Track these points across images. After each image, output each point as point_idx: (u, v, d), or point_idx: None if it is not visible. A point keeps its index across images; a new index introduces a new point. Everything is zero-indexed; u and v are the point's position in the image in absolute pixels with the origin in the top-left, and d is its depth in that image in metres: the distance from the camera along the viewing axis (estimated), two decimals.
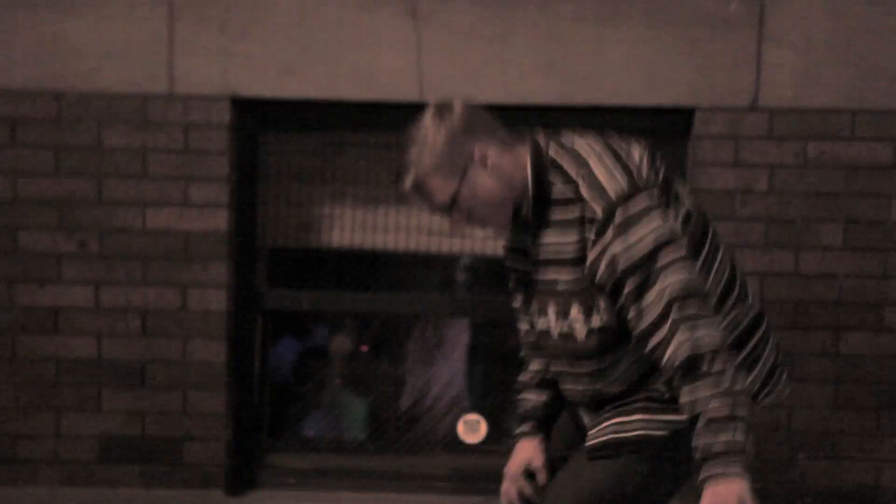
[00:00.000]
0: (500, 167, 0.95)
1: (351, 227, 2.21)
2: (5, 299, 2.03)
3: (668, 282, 0.87)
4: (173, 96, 2.00)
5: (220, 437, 2.10)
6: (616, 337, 0.96)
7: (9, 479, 2.05)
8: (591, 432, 1.02)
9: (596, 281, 0.91)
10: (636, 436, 0.98)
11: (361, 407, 2.52)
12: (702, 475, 0.85)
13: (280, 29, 2.02)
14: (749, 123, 1.99)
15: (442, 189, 0.95)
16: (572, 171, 0.93)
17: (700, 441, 0.84)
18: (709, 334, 0.87)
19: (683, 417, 0.90)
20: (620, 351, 0.98)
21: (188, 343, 2.06)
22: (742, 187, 1.99)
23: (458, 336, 2.62)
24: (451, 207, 0.97)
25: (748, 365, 1.05)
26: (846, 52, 1.95)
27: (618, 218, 0.88)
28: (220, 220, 2.04)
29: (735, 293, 1.05)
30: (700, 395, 0.84)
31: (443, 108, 0.96)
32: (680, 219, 0.98)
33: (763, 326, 1.09)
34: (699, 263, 0.99)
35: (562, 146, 0.99)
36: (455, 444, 2.31)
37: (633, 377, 1.00)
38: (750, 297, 1.09)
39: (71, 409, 2.05)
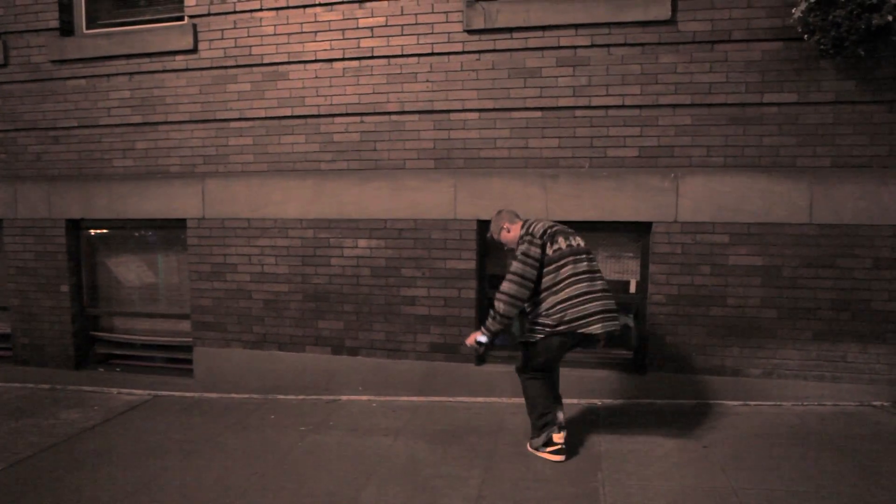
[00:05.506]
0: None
1: None
2: None
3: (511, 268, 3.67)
4: (456, 220, 4.91)
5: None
6: None
7: None
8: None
9: None
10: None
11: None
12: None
13: (497, 195, 4.77)
14: None
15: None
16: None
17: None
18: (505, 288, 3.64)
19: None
20: None
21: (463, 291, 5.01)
22: None
23: None
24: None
25: (571, 305, 3.56)
26: None
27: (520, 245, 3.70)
28: (471, 264, 4.94)
29: (566, 281, 3.58)
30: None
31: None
32: (548, 250, 3.62)
33: (586, 295, 3.57)
34: (552, 268, 3.60)
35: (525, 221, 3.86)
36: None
37: None
38: (582, 283, 3.58)
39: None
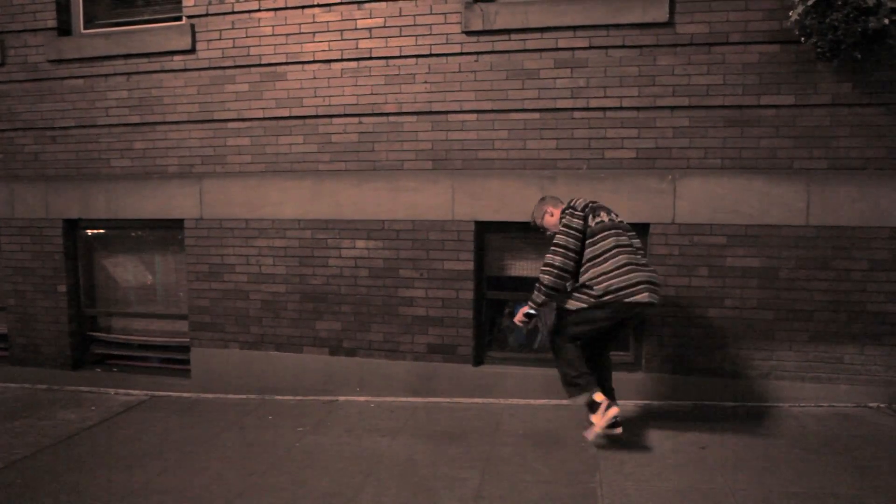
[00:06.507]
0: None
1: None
2: None
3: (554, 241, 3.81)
4: (454, 221, 4.93)
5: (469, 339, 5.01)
6: None
7: None
8: None
9: None
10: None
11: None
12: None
13: (495, 196, 4.79)
14: None
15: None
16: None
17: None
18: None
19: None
20: None
21: (461, 292, 5.00)
22: None
23: None
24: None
25: (616, 275, 3.63)
26: None
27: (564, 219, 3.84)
28: (469, 265, 4.94)
29: (609, 252, 3.68)
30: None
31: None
32: (590, 222, 3.75)
33: (629, 265, 3.65)
34: (595, 239, 3.72)
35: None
36: None
37: None
38: (625, 255, 3.67)
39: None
